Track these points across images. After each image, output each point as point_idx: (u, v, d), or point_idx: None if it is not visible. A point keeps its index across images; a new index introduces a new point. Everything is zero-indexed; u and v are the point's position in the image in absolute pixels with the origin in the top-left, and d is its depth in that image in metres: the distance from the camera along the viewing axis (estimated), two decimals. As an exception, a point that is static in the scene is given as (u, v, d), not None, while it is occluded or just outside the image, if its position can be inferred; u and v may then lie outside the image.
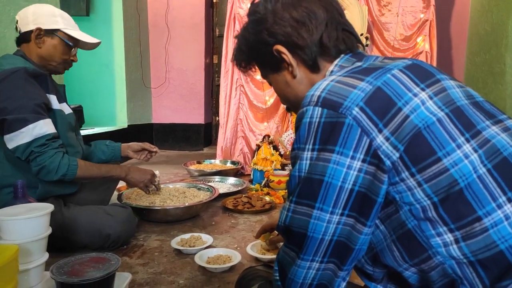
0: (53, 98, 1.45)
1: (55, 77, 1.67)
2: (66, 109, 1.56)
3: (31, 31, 1.42)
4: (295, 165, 0.63)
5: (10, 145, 1.32)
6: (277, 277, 0.67)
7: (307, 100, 0.61)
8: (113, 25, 3.57)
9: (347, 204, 0.58)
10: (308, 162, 0.60)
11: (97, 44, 1.60)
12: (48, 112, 1.41)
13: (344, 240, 0.60)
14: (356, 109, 0.56)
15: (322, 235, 0.59)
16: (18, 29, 1.45)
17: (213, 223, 1.84)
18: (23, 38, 1.45)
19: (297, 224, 0.61)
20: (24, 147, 1.31)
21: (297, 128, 0.63)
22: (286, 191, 0.67)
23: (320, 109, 0.59)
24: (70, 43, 1.48)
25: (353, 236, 0.59)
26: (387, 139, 0.55)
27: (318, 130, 0.59)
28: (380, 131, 0.56)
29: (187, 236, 1.55)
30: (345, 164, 0.57)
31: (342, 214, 0.58)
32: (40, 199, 1.31)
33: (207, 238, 1.53)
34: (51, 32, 1.44)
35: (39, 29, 1.42)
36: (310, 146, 0.60)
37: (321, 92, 0.60)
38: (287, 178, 2.46)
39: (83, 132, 2.92)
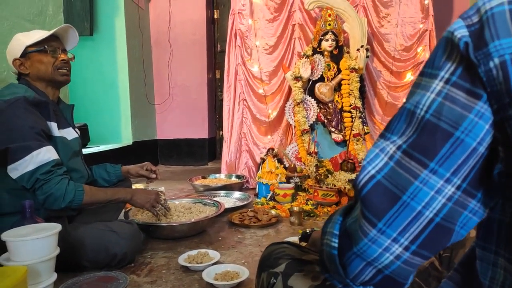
0: (53, 125, 1.45)
1: (63, 97, 1.67)
2: (70, 135, 1.56)
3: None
4: (414, 95, 0.46)
5: (14, 174, 1.31)
6: (335, 245, 0.51)
7: (471, 11, 0.44)
8: (116, 44, 3.63)
9: (469, 174, 0.43)
10: (437, 98, 0.44)
11: (70, 31, 1.55)
12: (49, 139, 1.41)
13: (449, 225, 0.45)
14: (496, 60, 0.40)
15: (422, 207, 0.44)
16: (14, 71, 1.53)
17: (220, 238, 1.84)
18: (18, 75, 1.51)
19: (394, 180, 0.45)
20: (29, 175, 1.31)
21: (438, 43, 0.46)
22: (387, 127, 0.49)
23: (465, 34, 0.43)
24: (42, 48, 1.46)
25: (457, 214, 0.45)
26: None
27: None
28: None
29: (194, 252, 1.54)
30: (490, 119, 0.41)
31: (458, 187, 0.43)
32: (44, 219, 1.31)
33: (214, 254, 1.53)
34: (24, 55, 1.46)
35: (16, 60, 1.46)
36: (447, 76, 0.43)
37: (485, 12, 0.42)
38: (292, 191, 2.47)
39: (89, 150, 2.95)
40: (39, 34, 1.48)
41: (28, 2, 2.06)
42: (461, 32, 0.43)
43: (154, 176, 1.87)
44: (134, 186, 2.68)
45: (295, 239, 1.69)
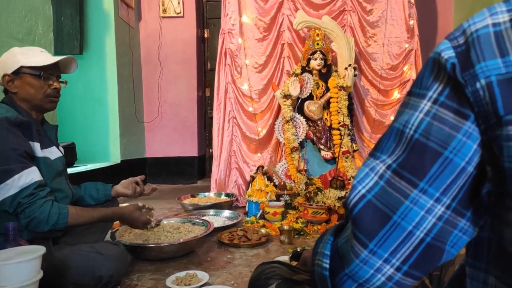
0: (36, 146, 1.41)
1: (48, 117, 1.65)
2: (54, 154, 1.52)
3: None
4: (402, 114, 0.47)
5: None
6: (327, 265, 0.51)
7: (457, 32, 0.45)
8: (106, 62, 3.63)
9: (458, 193, 0.44)
10: (425, 118, 0.44)
11: (72, 61, 1.53)
12: (32, 160, 1.37)
13: (439, 244, 0.45)
14: (482, 81, 0.41)
15: (413, 227, 0.44)
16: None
17: (209, 259, 1.81)
18: (5, 89, 1.46)
19: (384, 200, 0.46)
20: (11, 199, 1.27)
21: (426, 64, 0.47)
22: (377, 146, 0.49)
23: (452, 55, 0.44)
24: (37, 73, 1.42)
25: (447, 233, 0.45)
26: None
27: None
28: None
29: (182, 274, 1.51)
30: (478, 139, 0.42)
31: (448, 207, 0.44)
32: (28, 240, 1.27)
33: (203, 276, 1.50)
34: (17, 73, 1.40)
35: (6, 76, 1.40)
36: (435, 96, 0.44)
37: (471, 34, 0.43)
38: (282, 209, 2.46)
39: (76, 170, 2.90)
40: (37, 56, 1.43)
41: (18, 21, 2.06)
42: (448, 53, 0.44)
43: (143, 177, 1.86)
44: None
45: (285, 258, 1.67)
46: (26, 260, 1.03)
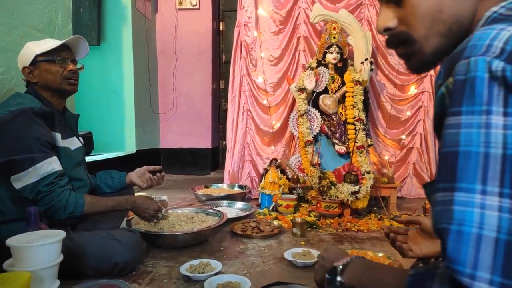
0: (57, 136, 1.46)
1: (69, 105, 1.69)
2: (73, 144, 1.57)
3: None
4: (462, 135, 0.45)
5: (18, 185, 1.33)
6: None
7: (481, 50, 0.46)
8: (123, 54, 3.67)
9: None
10: (502, 132, 0.43)
11: (81, 41, 1.57)
12: (53, 149, 1.42)
13: None
14: None
15: None
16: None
17: (222, 248, 1.83)
18: (27, 82, 1.53)
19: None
20: (32, 186, 1.32)
21: (460, 85, 0.46)
22: (456, 178, 0.45)
23: (503, 64, 0.44)
24: (51, 57, 1.48)
25: None
26: None
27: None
28: None
29: (196, 262, 1.54)
30: None
31: None
32: (48, 225, 1.32)
33: (216, 264, 1.52)
34: (34, 63, 1.47)
35: (25, 68, 1.48)
36: (501, 109, 0.43)
37: (504, 44, 0.45)
38: (295, 202, 2.47)
39: (93, 158, 2.96)
40: (49, 44, 1.50)
41: (39, 12, 2.10)
42: (498, 64, 0.44)
43: (159, 167, 1.90)
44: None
45: (297, 250, 1.68)
46: (47, 244, 1.07)
